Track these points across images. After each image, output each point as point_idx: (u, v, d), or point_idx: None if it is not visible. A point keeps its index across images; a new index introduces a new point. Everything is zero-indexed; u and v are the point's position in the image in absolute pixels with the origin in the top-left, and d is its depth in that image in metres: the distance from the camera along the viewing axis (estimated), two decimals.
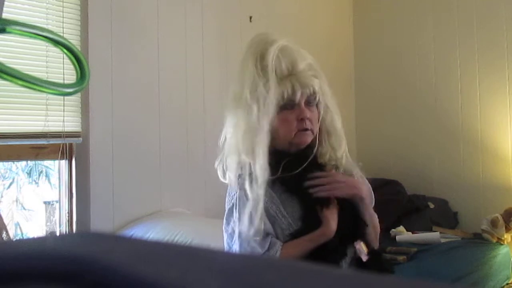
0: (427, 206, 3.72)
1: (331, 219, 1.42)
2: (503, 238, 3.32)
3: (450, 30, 3.94)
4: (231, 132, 1.46)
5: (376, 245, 1.52)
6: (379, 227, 1.55)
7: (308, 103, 1.45)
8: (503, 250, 3.24)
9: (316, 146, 1.47)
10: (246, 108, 1.42)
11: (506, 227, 3.33)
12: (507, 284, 3.17)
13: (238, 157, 1.43)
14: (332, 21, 4.34)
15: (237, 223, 1.44)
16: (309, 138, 1.47)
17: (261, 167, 1.38)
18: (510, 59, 3.64)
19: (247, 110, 1.42)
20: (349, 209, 1.48)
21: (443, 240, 3.26)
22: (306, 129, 1.45)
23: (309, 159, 1.45)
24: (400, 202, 3.71)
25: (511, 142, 3.63)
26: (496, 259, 3.13)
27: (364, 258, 1.45)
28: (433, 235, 3.29)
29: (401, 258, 2.88)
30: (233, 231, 1.45)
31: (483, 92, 3.77)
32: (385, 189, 3.76)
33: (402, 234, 3.35)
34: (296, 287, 0.28)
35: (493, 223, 3.32)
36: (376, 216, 1.55)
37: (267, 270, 0.30)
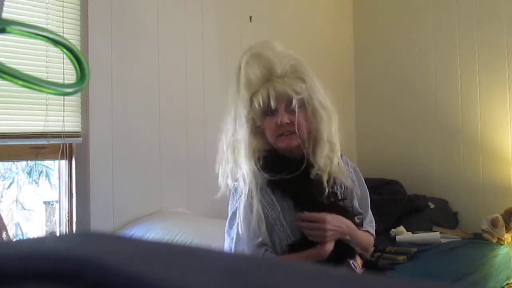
0: (427, 206, 3.72)
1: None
2: (503, 238, 3.32)
3: (450, 30, 3.94)
4: (222, 140, 1.50)
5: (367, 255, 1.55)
6: (370, 243, 1.56)
7: (289, 107, 1.44)
8: (503, 250, 3.24)
9: (305, 149, 1.45)
10: (227, 119, 1.47)
11: (506, 227, 3.33)
12: (507, 284, 3.17)
13: (229, 165, 1.46)
14: (332, 21, 4.34)
15: (236, 229, 1.45)
16: (293, 141, 1.45)
17: (247, 174, 1.41)
18: (510, 59, 3.64)
19: (227, 122, 1.47)
20: None
21: (443, 240, 3.26)
22: (289, 133, 1.44)
23: (305, 163, 1.44)
24: (400, 202, 3.71)
25: (511, 142, 3.63)
26: (496, 259, 3.13)
27: (360, 271, 1.45)
28: (433, 235, 3.29)
29: (401, 258, 2.88)
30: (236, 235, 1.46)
31: (483, 92, 3.77)
32: (385, 189, 3.76)
33: (402, 234, 3.35)
34: (296, 287, 0.28)
35: (493, 223, 3.32)
36: (364, 234, 1.56)
37: (267, 270, 0.30)
